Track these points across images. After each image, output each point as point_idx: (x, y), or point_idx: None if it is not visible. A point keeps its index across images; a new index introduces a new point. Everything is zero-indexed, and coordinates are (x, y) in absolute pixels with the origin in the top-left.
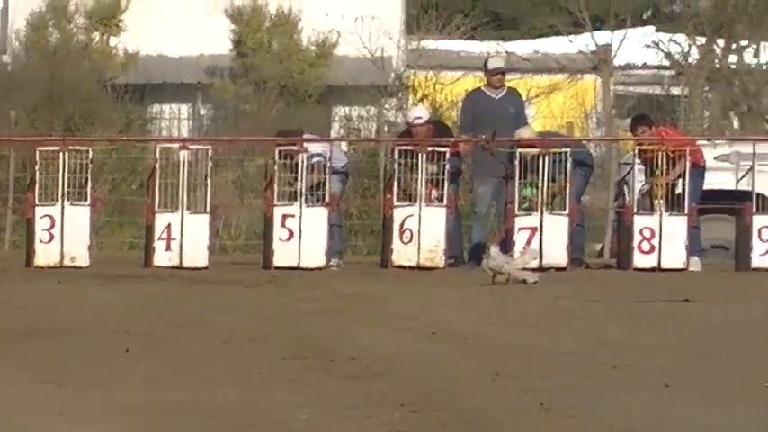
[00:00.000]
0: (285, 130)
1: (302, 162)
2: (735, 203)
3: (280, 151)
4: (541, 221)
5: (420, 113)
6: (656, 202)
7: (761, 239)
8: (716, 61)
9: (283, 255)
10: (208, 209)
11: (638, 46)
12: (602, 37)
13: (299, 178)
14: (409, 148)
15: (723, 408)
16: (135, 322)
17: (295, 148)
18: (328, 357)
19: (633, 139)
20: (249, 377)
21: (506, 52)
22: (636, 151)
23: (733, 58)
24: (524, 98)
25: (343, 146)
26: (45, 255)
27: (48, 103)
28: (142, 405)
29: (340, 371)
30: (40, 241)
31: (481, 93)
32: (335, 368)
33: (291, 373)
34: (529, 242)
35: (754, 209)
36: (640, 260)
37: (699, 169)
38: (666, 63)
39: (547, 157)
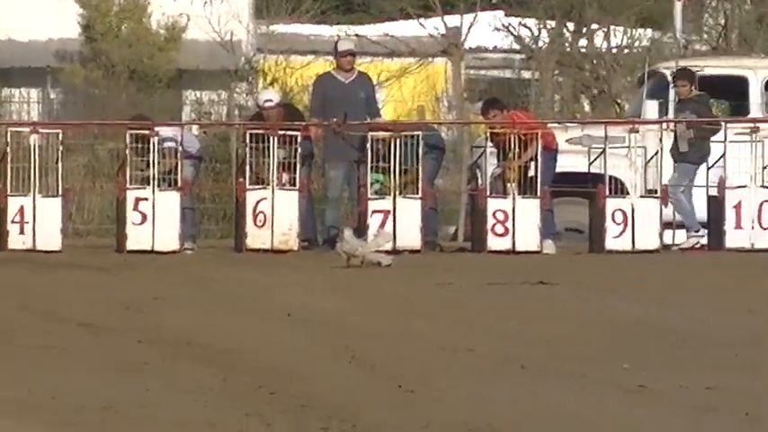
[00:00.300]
0: (139, 115)
1: (154, 146)
2: (588, 186)
3: (131, 135)
4: (394, 205)
5: (270, 96)
6: (509, 185)
7: (614, 222)
8: (566, 45)
9: (137, 238)
10: (60, 192)
11: (488, 29)
12: (453, 20)
13: (152, 162)
14: (260, 131)
15: (578, 392)
16: None
17: (147, 132)
18: (183, 342)
19: (485, 122)
20: (104, 362)
21: (356, 35)
22: (488, 135)
23: (583, 42)
24: (375, 82)
25: (194, 129)
26: None
27: None
28: None
29: (195, 356)
30: None
31: (331, 76)
32: (191, 353)
33: (147, 357)
34: (382, 225)
35: (607, 191)
36: (494, 243)
37: (551, 152)
38: (517, 47)
39: (398, 141)
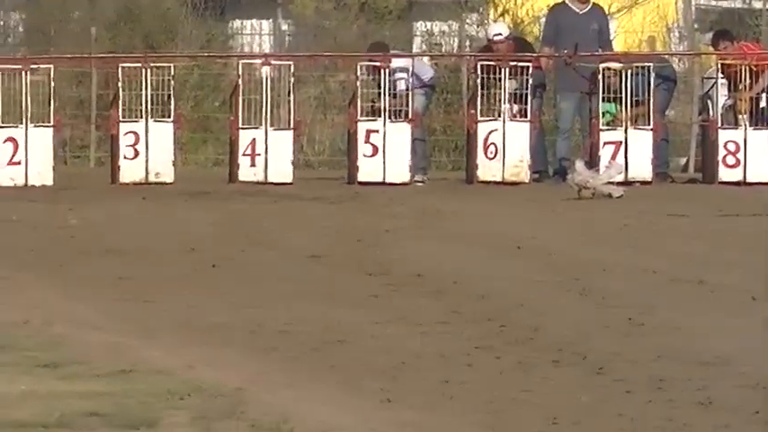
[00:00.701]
0: (375, 43)
1: (385, 77)
2: None
3: (363, 66)
4: (626, 136)
5: (500, 30)
6: (741, 116)
7: None
8: None
9: (368, 170)
10: (291, 125)
11: None
12: None
13: (383, 93)
14: (491, 63)
15: None
16: (220, 241)
17: (378, 63)
18: (414, 275)
19: (715, 53)
20: (334, 294)
21: None
22: (719, 66)
23: None
24: (607, 12)
25: (426, 60)
26: (130, 171)
27: (127, 19)
28: (225, 324)
29: (426, 288)
30: (125, 158)
31: (566, 7)
32: (421, 285)
33: (377, 289)
34: (614, 157)
35: None
36: (726, 174)
37: None
38: None
39: (629, 72)
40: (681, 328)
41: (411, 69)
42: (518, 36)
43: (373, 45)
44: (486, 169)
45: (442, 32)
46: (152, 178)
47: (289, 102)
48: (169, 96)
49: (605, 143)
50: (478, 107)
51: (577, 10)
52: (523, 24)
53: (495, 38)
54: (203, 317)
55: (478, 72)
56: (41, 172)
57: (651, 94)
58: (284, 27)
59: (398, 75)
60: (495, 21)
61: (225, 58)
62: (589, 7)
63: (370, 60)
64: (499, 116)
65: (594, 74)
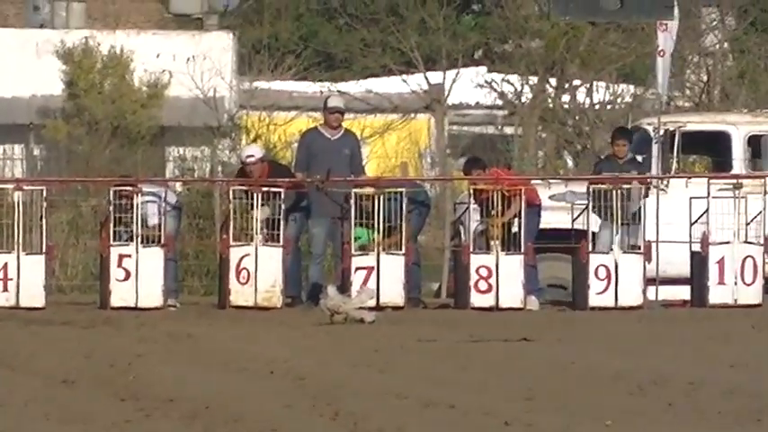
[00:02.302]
0: (123, 175)
1: (137, 204)
2: (571, 242)
3: (115, 192)
4: (378, 261)
5: (253, 152)
6: (493, 241)
7: (598, 278)
8: (549, 101)
9: (120, 295)
10: (44, 249)
11: (470, 85)
12: (435, 77)
13: (135, 219)
14: (244, 188)
15: None
16: None
17: (130, 188)
18: (166, 399)
19: (469, 178)
20: (86, 419)
21: (339, 92)
22: (471, 191)
23: (566, 98)
24: (359, 137)
25: (178, 186)
26: None
27: None
28: None
29: (178, 412)
30: None
31: (318, 132)
32: (174, 410)
33: (129, 414)
34: (365, 281)
35: (590, 247)
36: (478, 299)
37: (534, 208)
38: (500, 103)
39: (382, 197)
40: None
41: (163, 195)
42: (273, 159)
43: (121, 176)
44: (239, 294)
45: (195, 157)
46: None
47: (41, 226)
48: None
49: (357, 268)
50: (231, 232)
51: (329, 135)
52: (276, 149)
53: (248, 159)
54: None
55: (231, 197)
56: None
57: (404, 219)
58: (36, 152)
59: (150, 208)
60: (248, 144)
61: None
62: (341, 133)
63: (123, 185)
64: (252, 241)
65: (347, 199)
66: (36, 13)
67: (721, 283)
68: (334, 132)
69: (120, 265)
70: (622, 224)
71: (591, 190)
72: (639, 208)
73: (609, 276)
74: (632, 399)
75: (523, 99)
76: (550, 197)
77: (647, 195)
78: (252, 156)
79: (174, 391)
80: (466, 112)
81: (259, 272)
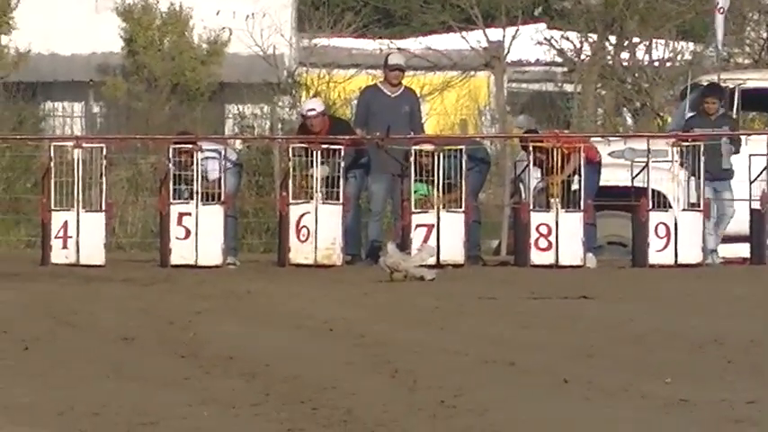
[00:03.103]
0: (183, 131)
1: (198, 161)
2: (631, 200)
3: (174, 149)
4: (438, 218)
5: (314, 105)
6: (552, 199)
7: (657, 236)
8: (608, 58)
9: (180, 253)
10: (103, 207)
11: (530, 42)
12: (495, 33)
13: (195, 177)
14: (304, 145)
15: (620, 406)
16: (30, 322)
17: (190, 146)
18: (225, 356)
19: (528, 135)
20: (146, 376)
21: (398, 49)
22: (531, 149)
23: (625, 55)
24: (418, 95)
25: (237, 144)
26: None
27: None
28: (32, 405)
29: (238, 370)
30: None
31: (377, 89)
32: (233, 367)
33: (188, 371)
34: (426, 239)
35: (650, 205)
36: (537, 257)
37: (594, 165)
38: (559, 60)
39: (442, 154)
40: (492, 411)
41: (223, 153)
42: (338, 117)
43: (180, 133)
44: (299, 251)
45: (254, 115)
46: None
47: (100, 184)
48: None
49: (417, 226)
50: (290, 189)
51: (389, 93)
52: (335, 107)
53: (309, 113)
54: (12, 398)
55: (290, 154)
56: None
57: (463, 177)
58: (95, 109)
59: (210, 164)
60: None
61: (36, 140)
62: (401, 90)
63: (183, 143)
64: (311, 199)
65: (406, 156)
66: None
67: None
68: (393, 90)
69: (179, 223)
70: (713, 179)
71: (676, 148)
72: (731, 164)
73: (668, 234)
74: (691, 356)
75: (583, 56)
76: (610, 154)
77: (737, 151)
78: (313, 109)
79: (233, 349)
80: (525, 69)
81: (319, 229)
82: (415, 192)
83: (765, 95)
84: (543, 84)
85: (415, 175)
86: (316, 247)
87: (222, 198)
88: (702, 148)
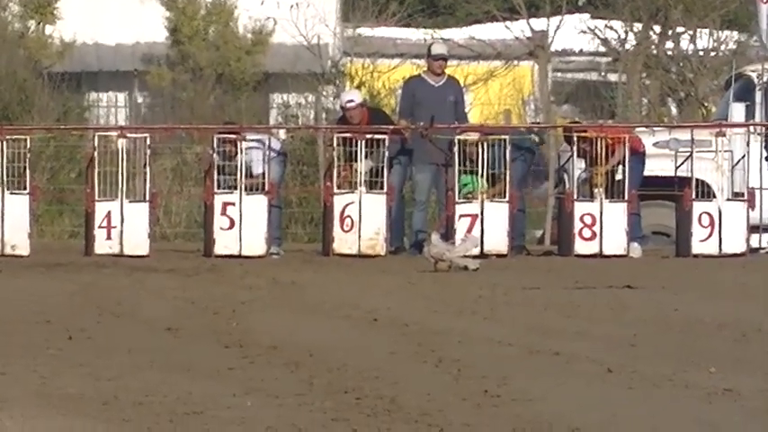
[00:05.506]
0: (227, 122)
1: (242, 150)
2: (675, 189)
3: (219, 139)
4: (482, 208)
5: (352, 96)
6: (596, 189)
7: (701, 225)
8: (653, 47)
9: (224, 243)
10: (147, 197)
11: (574, 32)
12: (539, 23)
13: (239, 167)
14: (348, 135)
15: (664, 395)
16: (75, 312)
17: (234, 136)
18: (269, 346)
19: (573, 125)
20: (190, 366)
21: (442, 39)
22: (575, 139)
23: (669, 45)
24: (462, 85)
25: (282, 133)
26: None
27: None
28: (79, 395)
29: (282, 360)
30: None
31: (421, 79)
32: (277, 357)
33: (233, 361)
34: (470, 229)
35: (694, 195)
36: (581, 247)
37: (638, 156)
38: (603, 49)
39: (486, 144)
40: (536, 400)
41: (268, 143)
42: (375, 107)
43: (225, 124)
44: (343, 241)
45: (299, 104)
46: (8, 251)
47: (145, 174)
48: (25, 168)
49: (461, 216)
50: (335, 180)
51: (433, 83)
52: (380, 97)
53: (348, 104)
54: (57, 388)
55: (335, 144)
56: None
57: (507, 167)
58: (140, 99)
59: (254, 155)
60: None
61: (81, 130)
62: (445, 80)
63: (227, 133)
64: (355, 189)
65: (450, 146)
66: None
67: None
68: (437, 79)
69: (224, 213)
70: None
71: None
72: None
73: (712, 224)
74: (736, 346)
75: (627, 46)
76: (654, 144)
77: None
78: (352, 101)
79: (277, 339)
80: (569, 59)
81: (363, 219)
82: (464, 185)
83: None
84: (587, 73)
85: (460, 165)
86: (360, 237)
87: (266, 188)
88: None
